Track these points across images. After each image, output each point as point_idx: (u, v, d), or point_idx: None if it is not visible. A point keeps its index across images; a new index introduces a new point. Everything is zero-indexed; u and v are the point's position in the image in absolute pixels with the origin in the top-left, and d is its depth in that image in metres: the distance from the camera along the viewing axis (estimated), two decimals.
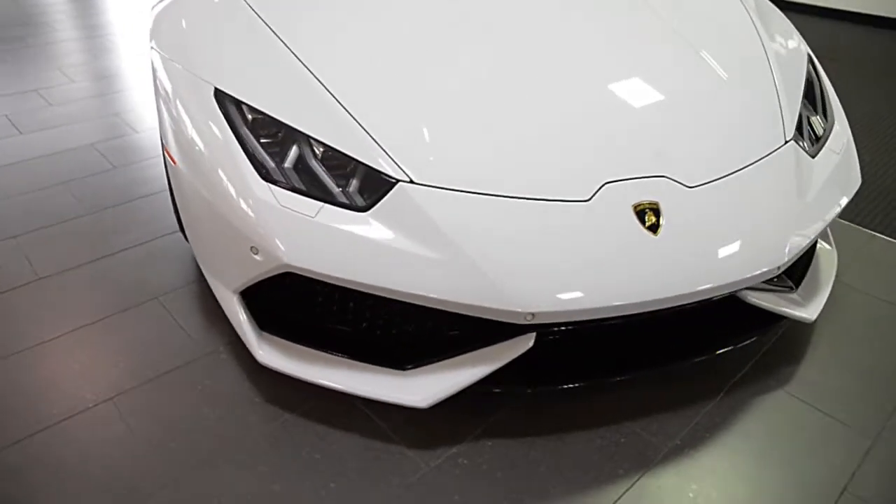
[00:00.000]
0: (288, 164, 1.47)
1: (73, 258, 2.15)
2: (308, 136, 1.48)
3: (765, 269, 1.49)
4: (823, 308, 1.78)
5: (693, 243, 1.47)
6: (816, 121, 1.88)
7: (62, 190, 2.53)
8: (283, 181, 1.44)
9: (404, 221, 1.39)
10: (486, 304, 1.33)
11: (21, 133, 2.99)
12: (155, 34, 1.90)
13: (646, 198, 1.48)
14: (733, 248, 1.49)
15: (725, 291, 1.47)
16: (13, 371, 1.71)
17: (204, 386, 1.67)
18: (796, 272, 1.83)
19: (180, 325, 1.87)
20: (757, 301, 1.62)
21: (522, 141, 1.53)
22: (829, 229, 2.01)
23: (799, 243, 1.55)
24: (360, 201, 1.42)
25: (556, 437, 1.57)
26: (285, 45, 1.65)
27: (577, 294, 1.36)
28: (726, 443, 1.57)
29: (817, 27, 5.23)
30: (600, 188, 1.47)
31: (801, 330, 1.92)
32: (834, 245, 2.00)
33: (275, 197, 1.42)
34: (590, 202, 1.45)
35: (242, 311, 1.57)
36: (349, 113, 1.51)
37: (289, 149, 1.49)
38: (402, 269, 1.36)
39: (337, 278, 1.37)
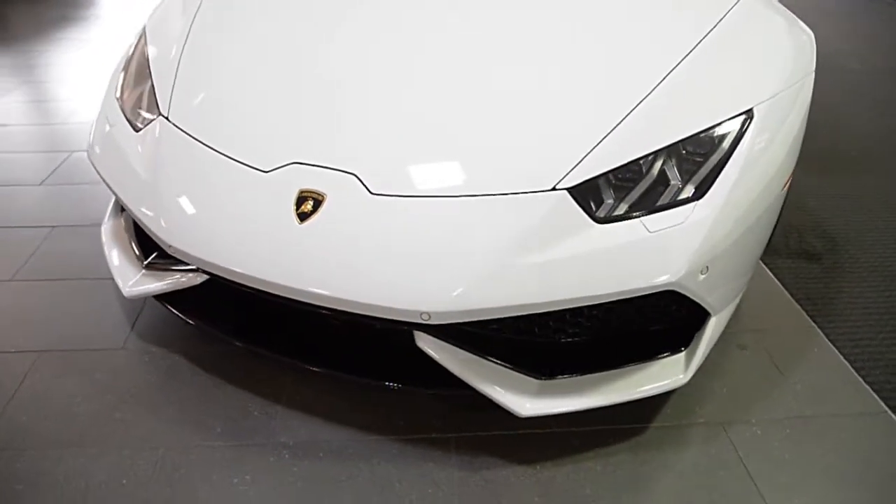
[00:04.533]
0: (138, 90, 1.86)
1: None
2: (150, 72, 1.85)
3: (402, 309, 1.31)
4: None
5: (334, 248, 1.37)
6: (676, 188, 1.40)
7: None
8: (122, 101, 1.85)
9: (146, 147, 1.66)
10: (148, 225, 1.53)
11: None
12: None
13: (316, 187, 1.43)
14: (376, 272, 1.34)
15: (350, 309, 1.35)
16: None
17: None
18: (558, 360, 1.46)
19: None
20: (427, 349, 1.40)
21: (275, 111, 1.62)
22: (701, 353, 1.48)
23: (465, 305, 1.30)
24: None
25: (219, 385, 1.65)
26: (196, 14, 1.96)
27: (204, 245, 1.45)
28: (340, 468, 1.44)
29: None
30: (286, 165, 1.48)
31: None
32: (690, 370, 1.46)
33: (110, 107, 1.84)
34: (268, 174, 1.48)
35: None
36: (179, 61, 1.81)
37: (146, 79, 1.88)
38: (125, 182, 1.64)
39: (103, 179, 1.73)
